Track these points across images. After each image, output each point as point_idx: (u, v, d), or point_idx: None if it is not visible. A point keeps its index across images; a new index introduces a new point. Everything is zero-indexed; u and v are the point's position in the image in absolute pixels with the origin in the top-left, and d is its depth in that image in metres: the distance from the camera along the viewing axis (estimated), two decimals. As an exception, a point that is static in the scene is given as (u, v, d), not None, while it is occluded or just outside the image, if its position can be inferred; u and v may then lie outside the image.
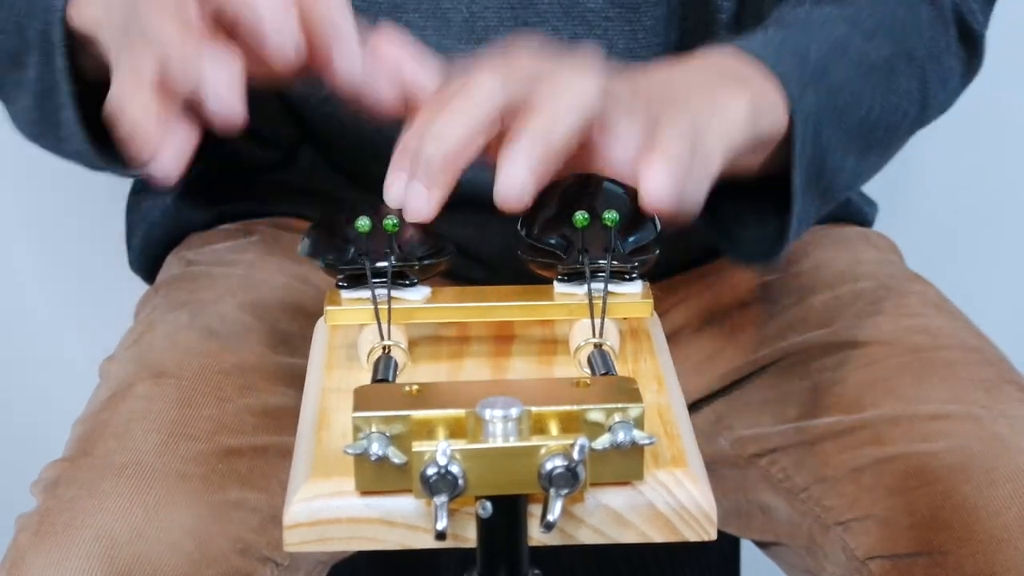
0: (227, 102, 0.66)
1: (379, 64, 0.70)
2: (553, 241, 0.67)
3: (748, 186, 0.79)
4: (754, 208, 0.80)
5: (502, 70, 0.67)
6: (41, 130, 0.82)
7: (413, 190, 0.66)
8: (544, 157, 0.65)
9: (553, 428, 0.56)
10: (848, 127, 0.80)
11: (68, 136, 0.79)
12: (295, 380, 0.83)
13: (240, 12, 0.67)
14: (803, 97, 0.77)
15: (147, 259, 1.01)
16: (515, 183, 0.65)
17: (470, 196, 0.89)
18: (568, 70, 0.67)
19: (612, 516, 0.57)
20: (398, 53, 0.70)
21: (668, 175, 0.66)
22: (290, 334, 0.87)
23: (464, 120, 0.65)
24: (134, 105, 0.68)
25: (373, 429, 0.56)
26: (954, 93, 0.91)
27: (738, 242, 0.81)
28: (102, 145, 0.78)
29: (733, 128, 0.73)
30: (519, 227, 0.68)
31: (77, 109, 0.77)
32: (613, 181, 0.69)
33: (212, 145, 0.99)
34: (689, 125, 0.69)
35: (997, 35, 0.95)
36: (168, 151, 0.67)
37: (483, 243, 0.91)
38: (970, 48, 0.90)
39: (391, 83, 0.70)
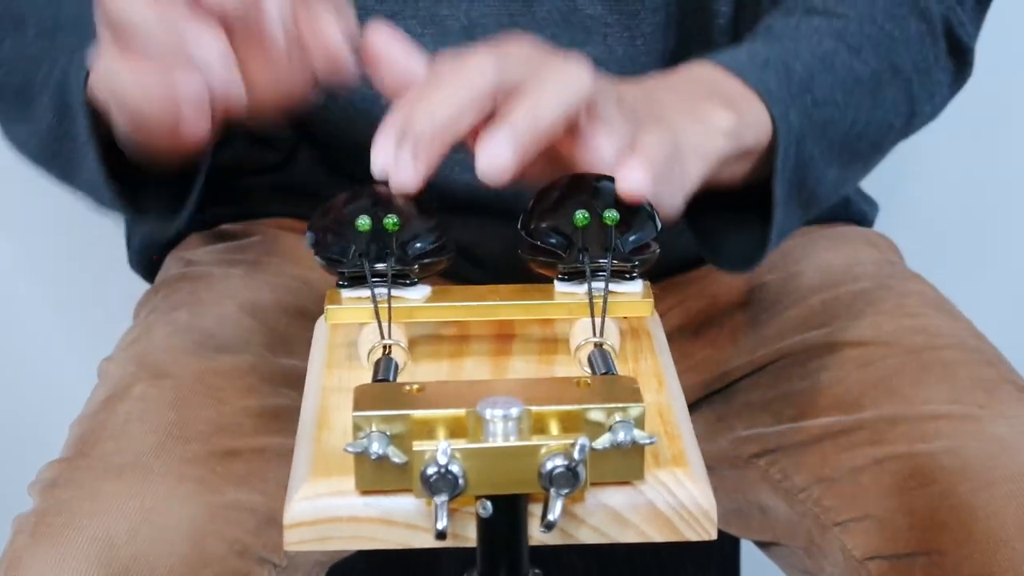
0: (220, 72, 0.66)
1: (372, 60, 0.70)
2: (553, 240, 0.67)
3: (733, 193, 0.80)
4: (737, 216, 0.81)
5: (497, 52, 0.68)
6: (45, 159, 0.82)
7: (401, 160, 0.66)
8: (529, 136, 0.65)
9: (553, 427, 0.56)
10: (832, 140, 0.82)
11: (83, 177, 0.79)
12: (293, 381, 0.83)
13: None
14: (786, 113, 0.78)
15: (146, 259, 1.01)
16: (496, 158, 0.65)
17: (468, 199, 0.90)
18: (561, 58, 0.68)
19: (612, 516, 0.57)
20: (389, 48, 0.70)
21: (645, 171, 0.67)
22: (289, 335, 0.87)
23: (456, 94, 0.66)
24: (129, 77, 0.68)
25: (373, 428, 0.56)
26: (941, 105, 0.92)
27: (719, 248, 0.82)
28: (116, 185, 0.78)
29: (714, 143, 0.74)
30: (519, 226, 0.68)
31: (103, 163, 0.77)
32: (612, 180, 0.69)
33: (210, 148, 0.99)
34: (670, 135, 0.71)
35: (996, 36, 0.95)
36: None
37: (482, 245, 0.91)
38: (959, 61, 0.90)
39: (387, 76, 0.70)
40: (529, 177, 0.69)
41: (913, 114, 0.87)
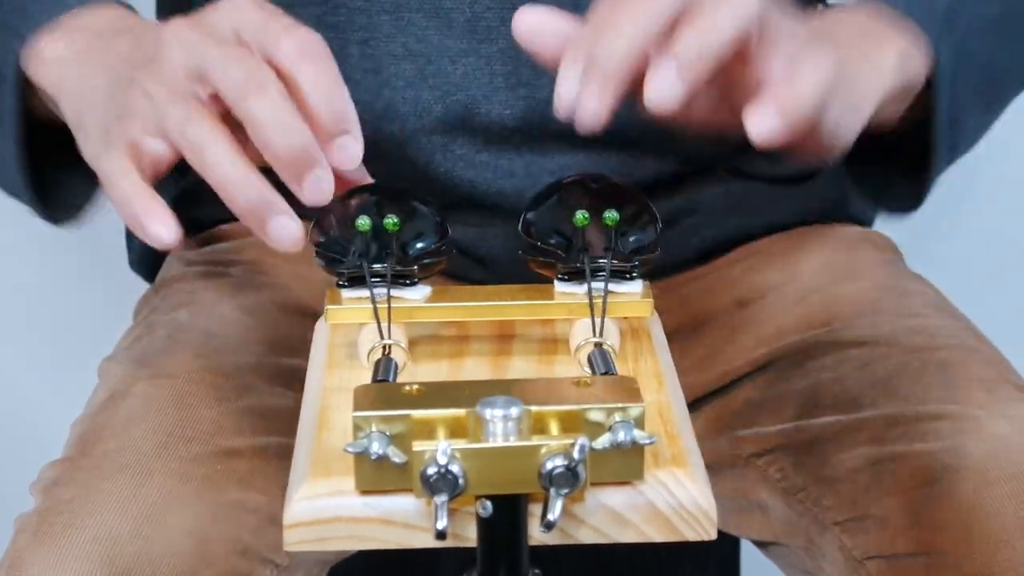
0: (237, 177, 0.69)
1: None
2: (553, 240, 0.67)
3: (878, 147, 0.81)
4: (887, 159, 0.83)
5: None
6: None
7: (588, 93, 0.65)
8: (699, 64, 0.64)
9: (553, 428, 0.56)
10: (972, 81, 0.82)
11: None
12: (294, 381, 0.83)
13: (244, 119, 0.68)
14: (940, 49, 0.78)
15: (147, 259, 1.01)
16: (666, 88, 0.64)
17: (469, 197, 0.90)
18: None
19: (612, 516, 0.58)
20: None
21: (780, 116, 0.66)
22: (289, 335, 0.87)
23: (640, 20, 0.65)
24: (125, 181, 0.69)
25: (373, 428, 0.56)
26: None
27: (880, 193, 0.84)
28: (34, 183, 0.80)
29: (883, 76, 0.75)
30: (519, 226, 0.69)
31: (23, 149, 0.78)
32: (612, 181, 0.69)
33: None
34: (835, 56, 0.69)
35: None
36: (160, 222, 0.69)
37: (482, 244, 0.91)
38: None
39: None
40: (691, 115, 0.68)
41: None
